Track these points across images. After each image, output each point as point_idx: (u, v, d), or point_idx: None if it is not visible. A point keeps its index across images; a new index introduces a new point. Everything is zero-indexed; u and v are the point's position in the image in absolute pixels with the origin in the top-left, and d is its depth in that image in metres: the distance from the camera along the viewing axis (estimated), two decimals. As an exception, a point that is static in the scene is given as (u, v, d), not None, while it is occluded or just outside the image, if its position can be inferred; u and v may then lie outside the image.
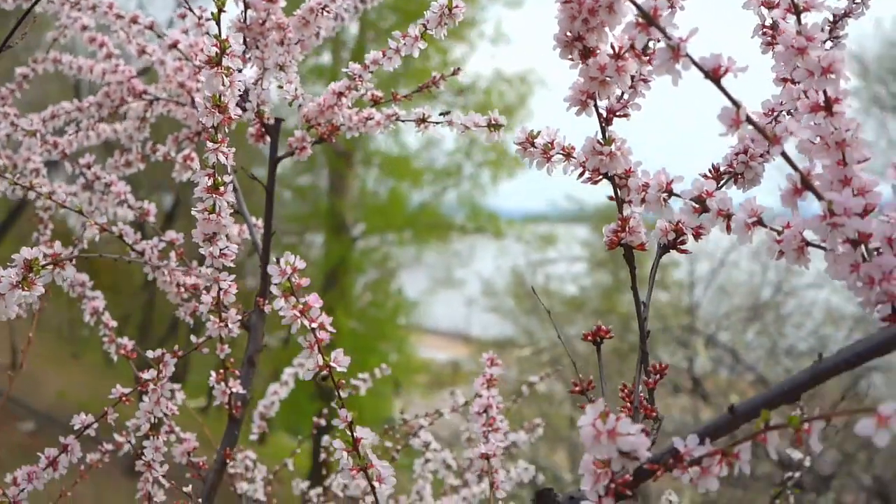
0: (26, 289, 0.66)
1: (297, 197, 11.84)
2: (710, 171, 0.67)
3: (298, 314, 0.59)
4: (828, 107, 0.52)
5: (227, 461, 0.97)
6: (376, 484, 0.62)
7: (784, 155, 0.50)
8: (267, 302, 0.95)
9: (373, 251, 11.91)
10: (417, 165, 11.99)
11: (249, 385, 0.98)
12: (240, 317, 0.89)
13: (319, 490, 1.40)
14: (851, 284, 0.50)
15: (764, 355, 6.61)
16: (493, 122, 0.83)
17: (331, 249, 10.93)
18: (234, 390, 0.95)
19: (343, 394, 0.65)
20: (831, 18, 0.71)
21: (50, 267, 0.65)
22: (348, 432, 0.63)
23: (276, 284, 0.59)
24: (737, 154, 0.66)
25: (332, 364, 0.61)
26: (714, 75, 0.50)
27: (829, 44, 0.70)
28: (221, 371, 0.94)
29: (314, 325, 0.60)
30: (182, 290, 0.99)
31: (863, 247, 0.51)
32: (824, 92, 0.52)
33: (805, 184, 0.50)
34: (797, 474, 1.09)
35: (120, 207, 1.16)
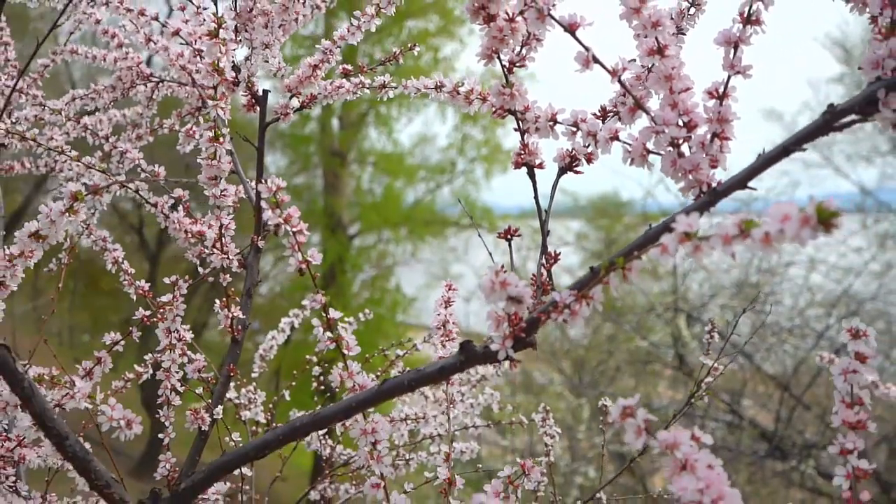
0: (72, 215, 0.86)
1: (293, 197, 12.00)
2: (599, 110, 0.86)
3: (283, 221, 0.79)
4: (660, 50, 0.72)
5: (231, 375, 1.16)
6: (345, 351, 0.82)
7: (622, 84, 0.70)
8: (261, 239, 1.15)
9: (369, 249, 12.10)
10: (411, 163, 12.19)
11: (248, 312, 1.18)
12: (238, 251, 1.09)
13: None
14: (673, 175, 0.70)
15: (748, 333, 6.82)
16: (438, 84, 1.03)
17: (328, 248, 11.12)
18: (235, 315, 1.15)
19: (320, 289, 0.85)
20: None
21: (91, 196, 0.85)
22: (323, 314, 0.83)
23: (264, 199, 0.78)
24: (618, 97, 0.86)
25: (309, 258, 0.81)
26: (571, 29, 0.70)
27: (692, 9, 0.89)
28: (224, 299, 1.14)
29: (295, 229, 0.80)
30: (189, 235, 1.19)
31: (686, 148, 0.71)
32: (656, 39, 0.72)
33: (637, 104, 0.70)
34: (704, 388, 1.28)
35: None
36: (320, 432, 1.58)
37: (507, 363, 1.60)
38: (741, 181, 0.66)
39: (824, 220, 0.46)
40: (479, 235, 1.13)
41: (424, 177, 12.14)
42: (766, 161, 0.65)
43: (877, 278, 8.09)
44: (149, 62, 1.47)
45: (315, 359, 1.56)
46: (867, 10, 0.66)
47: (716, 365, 1.30)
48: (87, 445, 0.83)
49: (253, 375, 1.55)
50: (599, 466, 6.40)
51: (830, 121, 0.63)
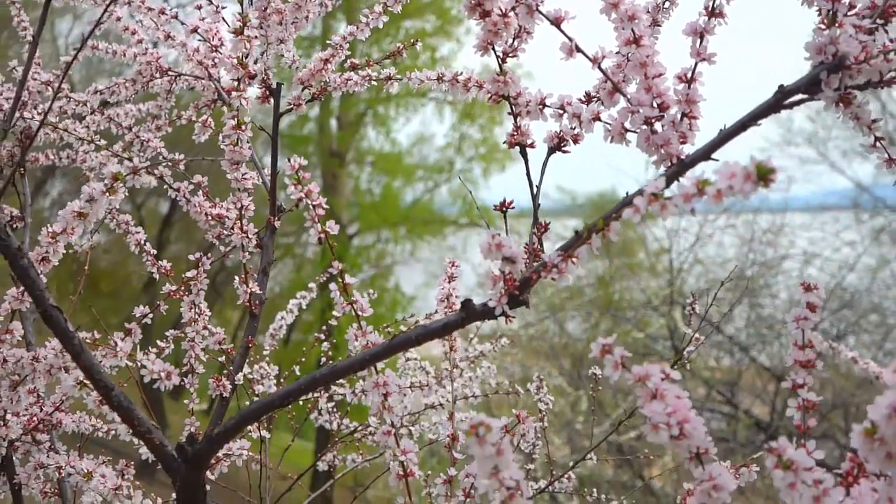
0: (112, 195, 0.96)
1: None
2: (584, 95, 0.96)
3: (304, 196, 0.89)
4: (635, 41, 0.82)
5: (249, 346, 1.26)
6: (360, 312, 0.92)
7: (601, 70, 0.80)
8: (277, 219, 1.24)
9: (368, 248, 12.20)
10: (409, 162, 12.29)
11: (264, 289, 1.27)
12: (257, 230, 1.19)
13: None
14: (647, 150, 0.80)
15: (744, 326, 6.94)
16: (440, 76, 1.13)
17: (327, 248, 11.20)
18: (253, 290, 1.24)
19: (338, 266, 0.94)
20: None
21: (131, 175, 0.94)
22: (340, 279, 0.93)
23: (287, 176, 0.88)
24: (600, 82, 0.95)
25: (328, 229, 0.91)
26: (557, 22, 0.79)
27: (667, 3, 0.99)
28: (243, 276, 1.24)
29: (314, 203, 0.89)
30: (209, 217, 1.29)
31: (659, 126, 0.81)
32: (632, 31, 0.81)
33: (615, 88, 0.80)
34: (690, 348, 1.38)
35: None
36: (330, 405, 1.68)
37: (503, 341, 1.68)
38: (705, 154, 0.76)
39: (763, 175, 0.56)
40: (486, 223, 1.23)
41: (423, 176, 12.25)
42: (726, 136, 0.75)
43: (872, 273, 8.21)
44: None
45: (323, 336, 1.66)
46: (815, 3, 0.76)
47: (697, 336, 1.40)
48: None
49: (264, 353, 1.65)
50: (594, 452, 6.51)
51: (781, 99, 0.73)
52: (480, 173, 12.11)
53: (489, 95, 0.91)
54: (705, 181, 0.61)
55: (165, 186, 1.28)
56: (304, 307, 1.72)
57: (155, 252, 1.38)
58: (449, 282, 1.23)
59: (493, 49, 0.88)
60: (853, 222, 8.73)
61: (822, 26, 0.73)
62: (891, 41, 0.73)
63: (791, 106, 0.74)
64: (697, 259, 7.44)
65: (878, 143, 0.77)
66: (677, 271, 7.24)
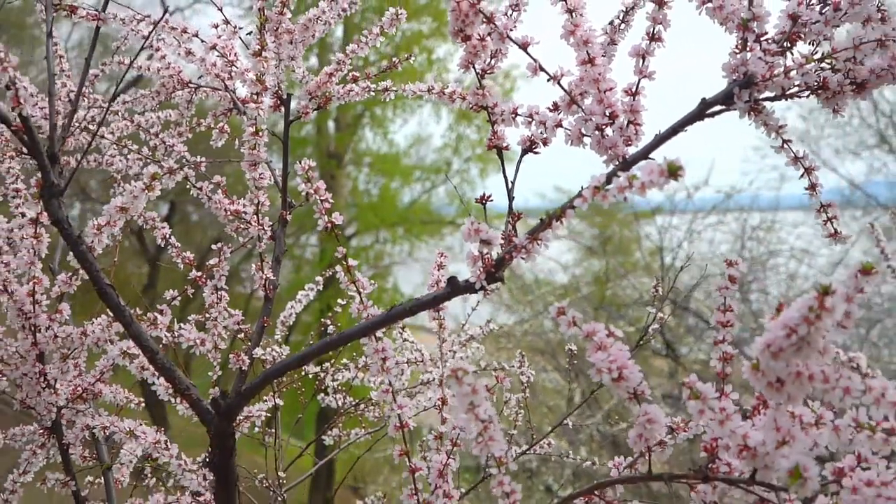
0: (149, 191, 1.13)
1: (291, 198, 12.31)
2: (552, 105, 1.13)
3: (313, 192, 1.06)
4: (590, 60, 0.99)
5: (265, 326, 1.43)
6: (362, 290, 1.09)
7: (560, 85, 0.97)
8: (288, 214, 1.41)
9: (367, 249, 12.37)
10: (407, 163, 12.46)
11: (277, 275, 1.44)
12: (271, 223, 1.36)
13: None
14: (598, 151, 0.97)
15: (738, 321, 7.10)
16: (430, 87, 1.30)
17: (326, 249, 11.40)
18: (268, 277, 1.41)
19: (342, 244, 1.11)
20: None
21: (167, 175, 1.11)
22: (344, 262, 1.10)
23: (298, 175, 1.05)
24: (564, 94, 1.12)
25: (333, 220, 1.08)
26: (523, 46, 0.96)
27: (622, 25, 1.16)
28: (259, 263, 1.41)
29: (322, 198, 1.06)
30: (227, 213, 1.45)
31: (609, 131, 0.98)
32: (587, 52, 0.98)
33: (572, 100, 0.97)
34: (652, 329, 1.55)
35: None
36: (335, 382, 1.85)
37: (491, 325, 1.84)
38: (643, 154, 0.93)
39: (672, 171, 0.73)
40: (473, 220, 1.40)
41: (420, 177, 12.42)
42: (660, 139, 0.92)
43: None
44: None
45: (329, 322, 1.83)
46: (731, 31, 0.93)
47: (661, 316, 1.57)
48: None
49: (276, 337, 1.82)
50: (590, 447, 6.69)
51: (703, 109, 0.90)
52: (477, 174, 12.28)
53: (471, 106, 1.08)
54: (633, 176, 0.78)
55: (189, 186, 1.44)
56: (311, 298, 1.88)
57: (179, 245, 1.55)
58: (438, 270, 1.40)
59: (474, 67, 1.05)
60: (845, 219, 8.92)
61: (736, 50, 0.90)
62: (793, 61, 0.90)
63: (713, 115, 0.91)
64: (689, 256, 7.61)
65: (785, 146, 0.94)
66: (668, 268, 7.41)
